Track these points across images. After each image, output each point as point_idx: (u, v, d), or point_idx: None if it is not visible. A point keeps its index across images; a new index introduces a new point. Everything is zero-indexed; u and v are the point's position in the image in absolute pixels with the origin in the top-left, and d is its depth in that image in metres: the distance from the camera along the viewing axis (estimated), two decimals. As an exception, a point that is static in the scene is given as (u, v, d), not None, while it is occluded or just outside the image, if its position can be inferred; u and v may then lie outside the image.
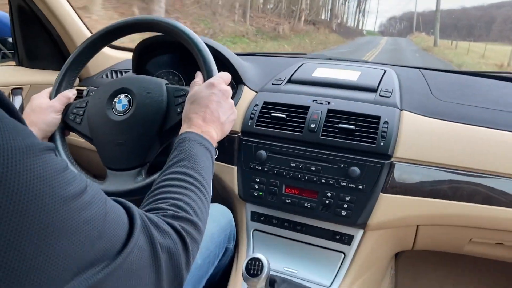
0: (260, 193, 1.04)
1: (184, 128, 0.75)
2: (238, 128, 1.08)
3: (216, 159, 0.85)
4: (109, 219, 0.45)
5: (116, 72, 1.46)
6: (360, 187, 0.95)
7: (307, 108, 1.04)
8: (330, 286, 0.99)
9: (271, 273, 0.91)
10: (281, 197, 1.02)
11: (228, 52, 1.18)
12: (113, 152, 0.88)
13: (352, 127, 0.97)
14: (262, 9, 26.52)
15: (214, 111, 0.77)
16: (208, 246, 0.97)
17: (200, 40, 0.89)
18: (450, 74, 1.30)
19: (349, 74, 1.20)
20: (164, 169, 0.67)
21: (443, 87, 1.15)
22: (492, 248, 1.07)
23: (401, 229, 1.03)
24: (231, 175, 1.08)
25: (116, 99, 0.90)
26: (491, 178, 0.91)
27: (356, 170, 0.95)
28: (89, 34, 1.43)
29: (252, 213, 1.09)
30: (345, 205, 0.96)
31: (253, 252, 1.06)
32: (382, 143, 0.95)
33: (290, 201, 1.01)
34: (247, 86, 1.17)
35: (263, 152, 1.03)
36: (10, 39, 1.46)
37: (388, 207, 0.95)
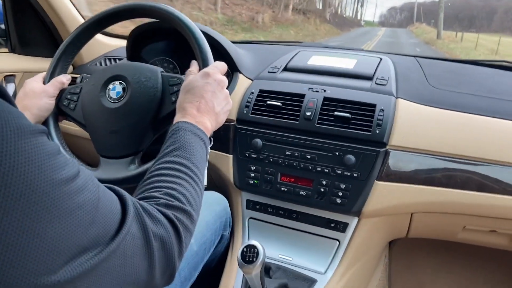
0: (256, 182, 1.04)
1: (178, 118, 0.75)
2: (233, 116, 1.07)
3: (212, 148, 0.84)
4: (101, 205, 0.45)
5: (110, 59, 1.44)
6: (355, 175, 0.95)
7: (303, 96, 1.04)
8: (324, 273, 1.00)
9: (266, 260, 0.92)
10: (277, 185, 1.02)
11: (224, 40, 1.17)
12: (107, 139, 0.87)
13: (347, 115, 0.97)
14: (242, -5, 23.25)
15: (208, 101, 0.76)
16: (204, 233, 0.97)
17: (196, 28, 0.88)
18: (446, 62, 1.30)
19: (345, 62, 1.19)
20: (157, 158, 0.67)
21: (438, 75, 1.15)
22: (486, 236, 1.08)
23: (396, 217, 1.04)
24: (226, 163, 1.08)
25: (110, 86, 0.89)
26: (485, 165, 0.92)
27: (351, 158, 0.95)
28: (83, 21, 1.41)
29: (248, 201, 1.10)
30: (340, 193, 0.96)
31: (248, 240, 1.06)
32: (377, 131, 0.95)
33: (285, 189, 1.01)
34: (243, 74, 1.17)
35: (258, 141, 1.03)
36: (3, 26, 1.44)
37: (383, 195, 0.95)
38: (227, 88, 0.83)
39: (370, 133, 0.95)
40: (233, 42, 1.27)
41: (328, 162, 0.98)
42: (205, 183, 0.72)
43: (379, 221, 1.03)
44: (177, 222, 0.56)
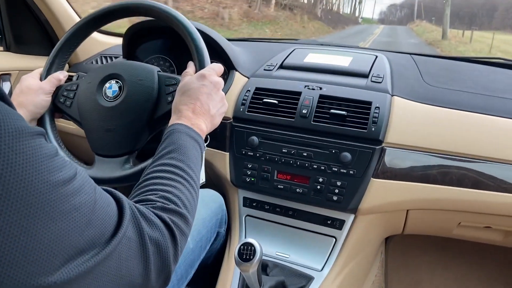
0: (252, 179, 1.04)
1: (173, 120, 0.75)
2: (230, 114, 1.07)
3: (208, 145, 0.85)
4: (98, 208, 0.45)
5: (106, 57, 1.44)
6: (351, 172, 0.96)
7: (299, 93, 1.04)
8: (321, 270, 1.00)
9: (263, 257, 0.92)
10: (273, 182, 1.02)
11: (220, 38, 1.17)
12: (102, 138, 0.87)
13: (343, 112, 0.98)
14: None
15: (204, 104, 0.76)
16: (200, 230, 0.97)
17: (193, 28, 0.88)
18: (441, 59, 1.30)
19: (340, 60, 1.20)
20: (153, 161, 0.67)
21: (433, 72, 1.16)
22: (481, 232, 1.09)
23: (392, 214, 1.05)
24: (223, 161, 1.08)
25: (107, 85, 0.89)
26: (480, 162, 0.93)
27: (347, 155, 0.95)
28: (78, 19, 1.40)
29: (245, 199, 1.10)
30: (336, 190, 0.97)
31: (245, 237, 1.07)
32: (373, 129, 0.95)
33: (282, 186, 1.01)
34: (239, 72, 1.17)
35: (255, 138, 1.03)
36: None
37: (379, 192, 0.96)
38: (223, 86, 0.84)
39: (366, 131, 0.96)
40: (229, 40, 1.27)
41: (324, 160, 0.98)
42: (204, 180, 0.72)
43: (375, 218, 1.04)
44: (173, 225, 0.56)
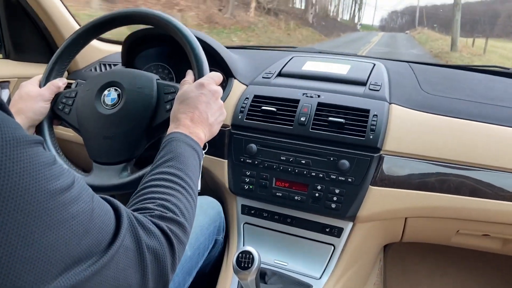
0: (251, 187, 1.04)
1: (172, 128, 0.75)
2: (228, 122, 1.07)
3: (207, 153, 0.85)
4: (95, 216, 0.45)
5: (105, 65, 1.44)
6: (349, 180, 0.96)
7: (297, 101, 1.04)
8: (320, 278, 1.00)
9: (262, 265, 0.92)
10: (272, 190, 1.02)
11: (218, 46, 1.17)
12: (100, 145, 0.87)
13: (341, 120, 0.98)
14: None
15: (202, 112, 0.77)
16: (198, 237, 0.97)
17: (193, 37, 0.88)
18: (439, 68, 1.31)
19: (338, 68, 1.20)
20: (151, 169, 0.67)
21: (431, 80, 1.16)
22: (479, 240, 1.09)
23: (390, 222, 1.05)
24: (221, 168, 1.08)
25: (106, 92, 0.89)
26: (477, 170, 0.93)
27: (345, 163, 0.96)
28: (77, 27, 1.41)
29: (243, 206, 1.10)
30: (334, 198, 0.97)
31: (243, 245, 1.07)
32: (371, 136, 0.96)
33: (280, 194, 1.01)
34: (237, 80, 1.17)
35: (253, 146, 1.03)
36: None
37: (377, 200, 0.96)
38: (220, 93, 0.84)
39: (364, 138, 0.96)
40: (228, 47, 1.28)
41: (322, 167, 0.98)
42: (199, 188, 0.73)
43: (374, 225, 1.04)
44: (171, 234, 0.56)
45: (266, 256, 1.04)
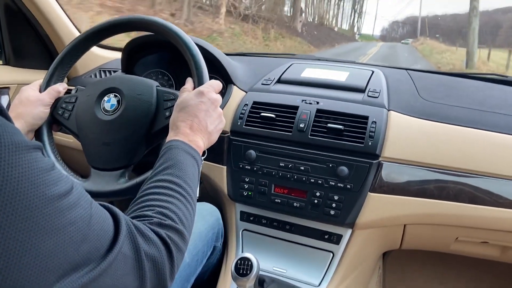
0: (250, 193, 1.04)
1: (171, 136, 0.75)
2: (227, 128, 1.08)
3: (206, 159, 0.85)
4: (94, 223, 0.45)
5: (104, 71, 1.45)
6: (348, 186, 0.96)
7: (296, 108, 1.05)
8: (319, 286, 1.00)
9: (260, 272, 0.92)
10: (270, 196, 1.02)
11: (218, 52, 1.18)
12: (99, 151, 0.87)
13: (340, 127, 0.98)
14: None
15: (202, 120, 0.77)
16: (196, 244, 0.97)
17: (193, 44, 0.88)
18: (437, 75, 1.32)
19: (337, 75, 1.21)
20: (150, 176, 0.67)
21: (429, 88, 1.17)
22: (478, 247, 1.09)
23: (389, 229, 1.04)
24: (220, 175, 1.08)
25: (105, 98, 0.89)
26: (476, 177, 0.93)
27: (344, 169, 0.96)
28: (78, 33, 1.42)
29: (242, 213, 1.10)
30: (333, 205, 0.97)
31: (242, 252, 1.06)
32: (370, 143, 0.96)
33: (279, 200, 1.01)
34: (237, 86, 1.18)
35: (252, 152, 1.03)
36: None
37: (376, 207, 0.96)
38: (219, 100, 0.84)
39: (363, 145, 0.96)
40: (227, 54, 1.28)
41: (321, 174, 0.98)
42: (198, 194, 0.73)
43: (373, 232, 1.04)
44: (170, 241, 0.56)
45: (265, 263, 1.03)
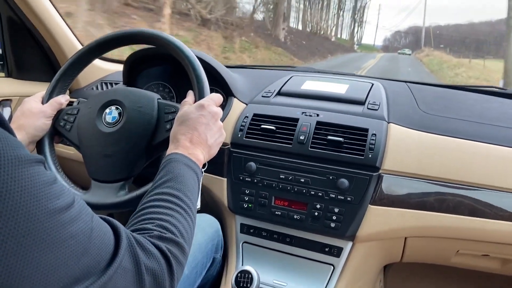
0: (250, 205, 1.04)
1: (171, 149, 0.75)
2: (228, 140, 1.08)
3: (206, 171, 0.85)
4: (94, 236, 0.45)
5: (106, 84, 1.46)
6: (348, 199, 0.96)
7: (296, 120, 1.05)
8: (319, 299, 0.99)
9: (261, 285, 0.91)
10: (271, 209, 1.02)
11: (219, 65, 1.19)
12: (99, 163, 0.88)
13: (340, 139, 0.99)
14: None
15: (202, 134, 0.77)
16: (196, 256, 0.96)
17: (194, 57, 0.89)
18: (436, 88, 1.32)
19: (337, 87, 1.22)
20: (150, 189, 0.67)
21: (429, 100, 1.18)
22: (478, 260, 1.08)
23: (390, 241, 1.04)
24: (220, 186, 1.08)
25: (107, 110, 0.90)
26: (475, 190, 0.93)
27: (344, 182, 0.96)
28: (80, 46, 1.43)
29: (242, 225, 1.09)
30: (334, 217, 0.97)
31: (242, 265, 1.06)
32: (370, 155, 0.96)
33: (279, 213, 1.01)
34: (237, 98, 1.18)
35: (252, 164, 1.04)
36: (0, 51, 1.46)
37: (377, 219, 0.96)
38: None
39: (363, 157, 0.96)
40: (227, 67, 1.30)
41: (321, 186, 0.98)
42: (199, 206, 0.73)
43: (373, 245, 1.03)
44: (170, 255, 0.56)
45: (265, 276, 1.03)
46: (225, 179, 1.08)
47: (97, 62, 1.53)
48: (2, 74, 1.46)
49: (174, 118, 0.83)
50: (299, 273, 1.04)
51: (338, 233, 0.97)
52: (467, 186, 0.94)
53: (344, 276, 1.01)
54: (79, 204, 0.44)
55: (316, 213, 0.98)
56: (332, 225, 0.97)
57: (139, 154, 0.87)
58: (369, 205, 0.96)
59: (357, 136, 1.00)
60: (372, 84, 1.23)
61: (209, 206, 1.17)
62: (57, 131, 0.95)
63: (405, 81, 1.35)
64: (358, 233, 0.96)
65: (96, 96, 0.94)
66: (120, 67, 1.31)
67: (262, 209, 1.03)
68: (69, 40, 1.41)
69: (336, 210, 0.96)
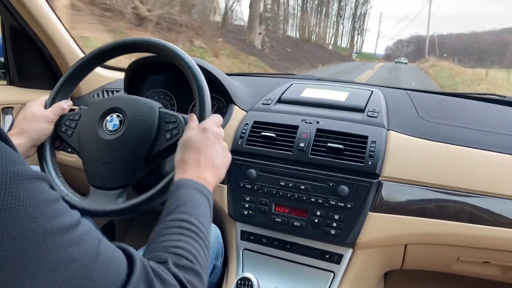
0: (250, 212, 1.04)
1: (179, 174, 0.74)
2: (228, 147, 1.08)
3: None
4: (100, 262, 0.43)
5: (107, 91, 1.46)
6: (349, 205, 0.96)
7: (297, 127, 1.06)
8: (320, 306, 0.99)
9: (261, 292, 0.91)
10: (271, 216, 1.02)
11: (219, 73, 1.20)
12: (99, 170, 0.88)
13: (340, 146, 0.99)
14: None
15: (208, 155, 0.77)
16: None
17: (197, 68, 0.89)
18: (435, 95, 1.33)
19: (337, 95, 1.22)
20: (163, 216, 0.65)
21: (428, 108, 1.18)
22: (479, 267, 1.08)
23: (390, 248, 1.04)
24: (221, 193, 1.08)
25: (108, 118, 0.91)
26: (475, 197, 0.93)
27: (344, 189, 0.96)
28: (82, 54, 1.44)
29: (242, 232, 1.09)
30: (334, 224, 0.97)
31: (242, 272, 1.06)
32: (370, 162, 0.97)
33: (279, 220, 1.01)
34: (238, 106, 1.19)
35: (253, 171, 1.04)
36: (2, 59, 1.47)
37: (377, 226, 0.96)
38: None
39: (363, 164, 0.97)
40: (228, 75, 1.30)
41: (321, 193, 0.98)
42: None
43: (374, 252, 1.03)
44: (188, 285, 0.54)
45: (266, 283, 1.02)
46: (226, 186, 1.08)
47: (98, 69, 1.53)
48: (4, 82, 1.47)
49: (174, 128, 0.84)
50: (299, 280, 1.04)
51: (339, 240, 0.97)
52: (467, 193, 0.94)
53: (344, 283, 1.01)
54: (84, 226, 0.43)
55: (316, 220, 0.98)
56: (332, 232, 0.97)
57: (138, 162, 0.87)
58: (369, 212, 0.96)
59: (357, 143, 1.00)
60: (372, 92, 1.24)
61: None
62: (59, 136, 0.96)
63: (405, 89, 1.36)
64: (358, 240, 0.96)
65: (98, 103, 0.95)
66: (121, 75, 1.32)
67: (263, 216, 1.03)
68: (71, 48, 1.42)
69: (336, 217, 0.96)
